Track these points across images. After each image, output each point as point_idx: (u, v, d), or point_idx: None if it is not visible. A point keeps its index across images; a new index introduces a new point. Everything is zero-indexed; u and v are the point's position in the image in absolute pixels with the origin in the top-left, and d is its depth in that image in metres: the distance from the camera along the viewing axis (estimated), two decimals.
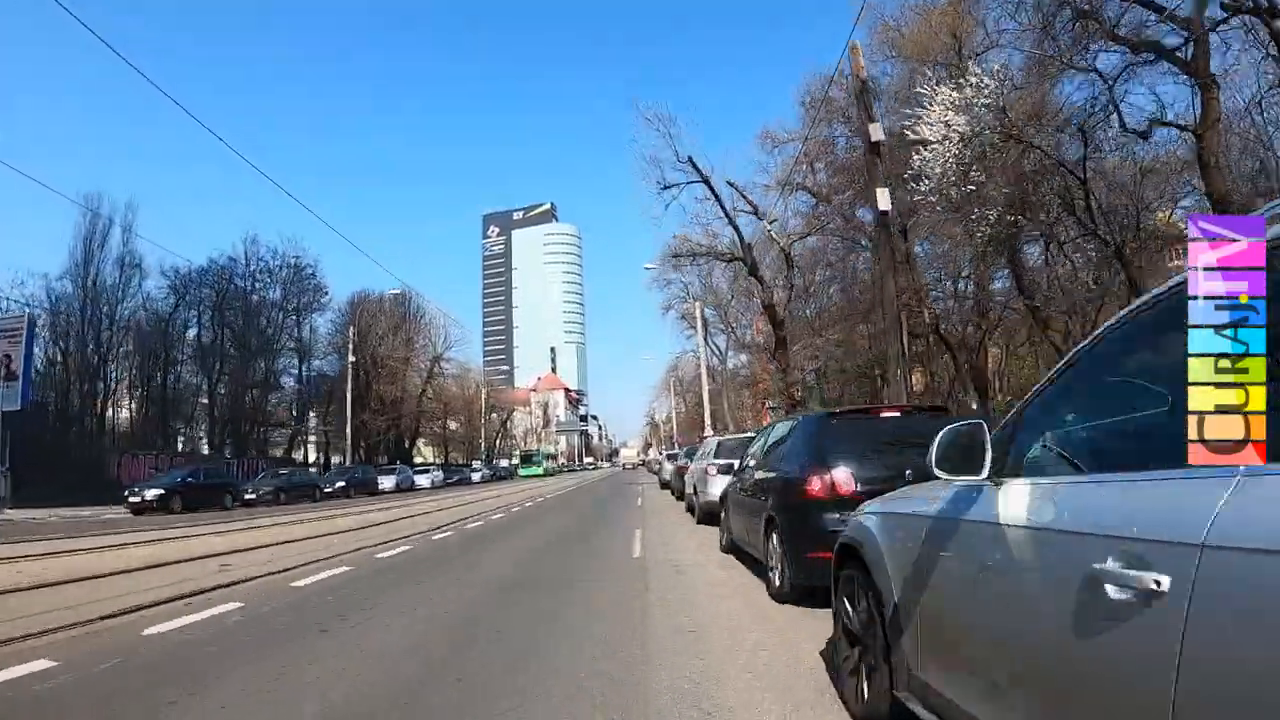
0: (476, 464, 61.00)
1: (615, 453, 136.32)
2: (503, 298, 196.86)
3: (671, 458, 22.99)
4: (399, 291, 47.83)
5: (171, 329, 42.50)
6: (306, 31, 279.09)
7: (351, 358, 34.30)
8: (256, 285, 41.67)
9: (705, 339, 32.72)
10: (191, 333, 43.91)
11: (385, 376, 43.10)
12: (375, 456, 46.13)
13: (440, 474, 42.39)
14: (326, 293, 44.18)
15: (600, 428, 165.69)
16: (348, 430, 33.17)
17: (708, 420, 29.33)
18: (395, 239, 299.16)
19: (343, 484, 29.43)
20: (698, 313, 31.27)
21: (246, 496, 24.57)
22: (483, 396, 60.63)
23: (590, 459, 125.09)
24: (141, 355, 41.78)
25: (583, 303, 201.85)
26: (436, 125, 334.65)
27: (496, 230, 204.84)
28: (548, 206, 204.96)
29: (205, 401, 40.02)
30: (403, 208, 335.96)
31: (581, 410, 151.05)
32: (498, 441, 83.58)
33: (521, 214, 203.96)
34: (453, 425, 66.12)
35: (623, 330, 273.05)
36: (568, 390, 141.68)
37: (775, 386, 22.98)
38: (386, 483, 34.23)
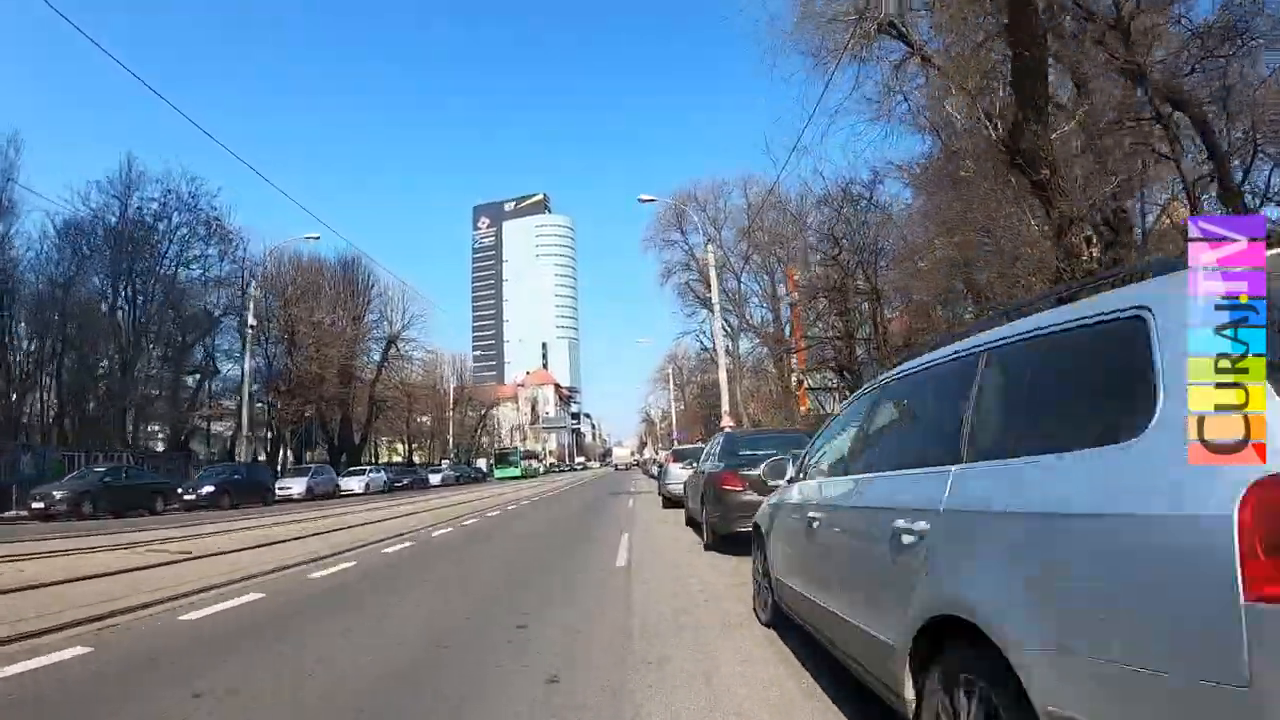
0: (445, 464, 52.95)
1: (608, 453, 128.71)
2: (493, 291, 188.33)
3: (681, 457, 14.46)
4: (338, 254, 39.48)
5: (71, 296, 33.96)
6: (293, 20, 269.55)
7: (252, 322, 25.95)
8: (145, 228, 32.56)
9: (717, 299, 24.44)
10: (90, 298, 35.38)
11: (297, 345, 34.37)
12: (299, 450, 37.70)
13: (381, 476, 33.83)
14: (231, 240, 34.58)
15: (594, 426, 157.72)
16: (243, 415, 24.79)
17: (725, 404, 21.12)
18: (385, 233, 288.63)
19: (211, 489, 20.79)
20: (710, 259, 23.06)
21: (34, 506, 16.33)
22: (451, 385, 52.19)
23: (582, 458, 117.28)
24: (30, 327, 33.57)
25: (576, 297, 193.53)
26: (427, 115, 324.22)
27: (487, 221, 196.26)
28: (540, 197, 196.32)
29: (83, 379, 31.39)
30: (392, 200, 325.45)
31: (574, 408, 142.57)
32: (478, 438, 75.47)
33: (513, 204, 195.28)
34: (424, 419, 58.22)
35: (619, 327, 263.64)
36: (558, 386, 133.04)
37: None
38: (295, 487, 25.71)
